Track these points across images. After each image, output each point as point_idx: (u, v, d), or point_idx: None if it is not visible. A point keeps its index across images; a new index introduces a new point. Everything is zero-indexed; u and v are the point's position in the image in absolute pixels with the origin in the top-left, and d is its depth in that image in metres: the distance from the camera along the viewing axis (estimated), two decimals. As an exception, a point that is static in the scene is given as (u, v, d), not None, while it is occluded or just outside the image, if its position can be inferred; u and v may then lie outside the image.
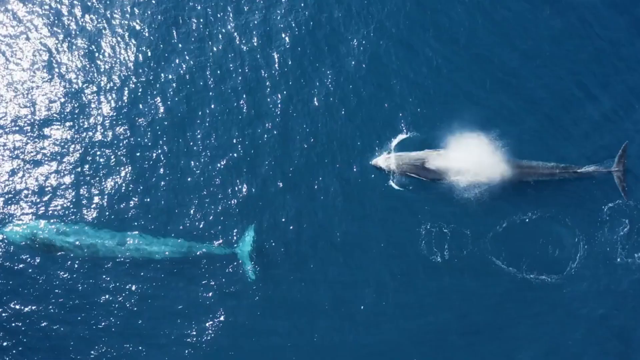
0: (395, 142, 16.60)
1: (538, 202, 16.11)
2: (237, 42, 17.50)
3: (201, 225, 16.10)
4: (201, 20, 17.71)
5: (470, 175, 15.91)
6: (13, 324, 15.17)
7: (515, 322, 15.53)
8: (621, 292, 15.59)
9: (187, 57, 17.40)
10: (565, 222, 15.96)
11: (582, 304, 15.54)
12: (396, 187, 16.30)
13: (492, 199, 16.03)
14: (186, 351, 15.18)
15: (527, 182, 16.13)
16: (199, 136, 16.76)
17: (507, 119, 16.54)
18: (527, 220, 15.96)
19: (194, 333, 15.31)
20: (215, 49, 17.45)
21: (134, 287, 15.57)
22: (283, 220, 16.13)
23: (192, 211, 16.21)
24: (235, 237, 16.03)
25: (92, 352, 15.10)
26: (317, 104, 16.96)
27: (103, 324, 15.29)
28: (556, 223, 15.96)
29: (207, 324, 15.38)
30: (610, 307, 15.55)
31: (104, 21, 17.72)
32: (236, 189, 16.37)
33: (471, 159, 15.88)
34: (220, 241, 15.94)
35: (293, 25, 17.54)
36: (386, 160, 16.30)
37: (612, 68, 16.98)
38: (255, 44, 17.48)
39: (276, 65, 17.25)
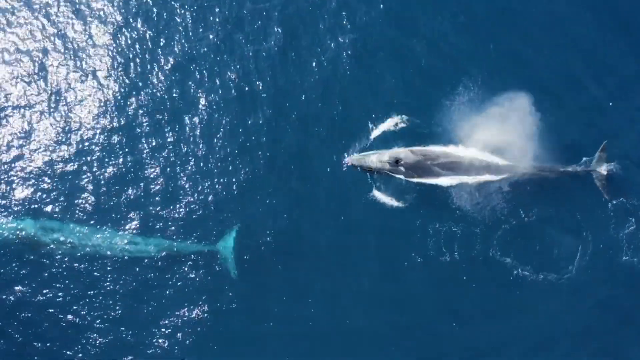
0: (387, 128, 16.55)
1: (544, 200, 15.93)
2: (238, 31, 17.47)
3: (188, 222, 16.08)
4: (199, 10, 17.62)
5: (452, 174, 15.84)
6: (19, 313, 15.43)
7: (517, 318, 15.57)
8: (625, 290, 15.53)
9: (183, 50, 17.34)
10: (571, 220, 15.83)
11: (584, 301, 15.53)
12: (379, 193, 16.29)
13: (489, 198, 16.00)
14: (187, 338, 15.43)
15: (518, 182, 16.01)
16: (188, 132, 16.69)
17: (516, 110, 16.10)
18: (534, 218, 15.82)
19: (194, 322, 15.52)
20: (214, 40, 17.39)
21: (137, 278, 15.77)
22: (289, 210, 16.24)
23: (178, 209, 16.16)
24: (217, 234, 16.04)
25: (98, 341, 15.39)
26: (320, 95, 16.94)
27: (108, 312, 15.53)
28: (562, 221, 15.83)
29: (206, 313, 15.59)
30: (613, 304, 15.53)
31: (102, 11, 17.65)
32: (224, 184, 16.34)
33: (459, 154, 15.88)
34: (203, 240, 15.98)
35: (296, 14, 17.45)
36: (360, 159, 16.07)
37: (619, 55, 16.80)
38: (254, 34, 17.39)
39: (275, 57, 17.15)
